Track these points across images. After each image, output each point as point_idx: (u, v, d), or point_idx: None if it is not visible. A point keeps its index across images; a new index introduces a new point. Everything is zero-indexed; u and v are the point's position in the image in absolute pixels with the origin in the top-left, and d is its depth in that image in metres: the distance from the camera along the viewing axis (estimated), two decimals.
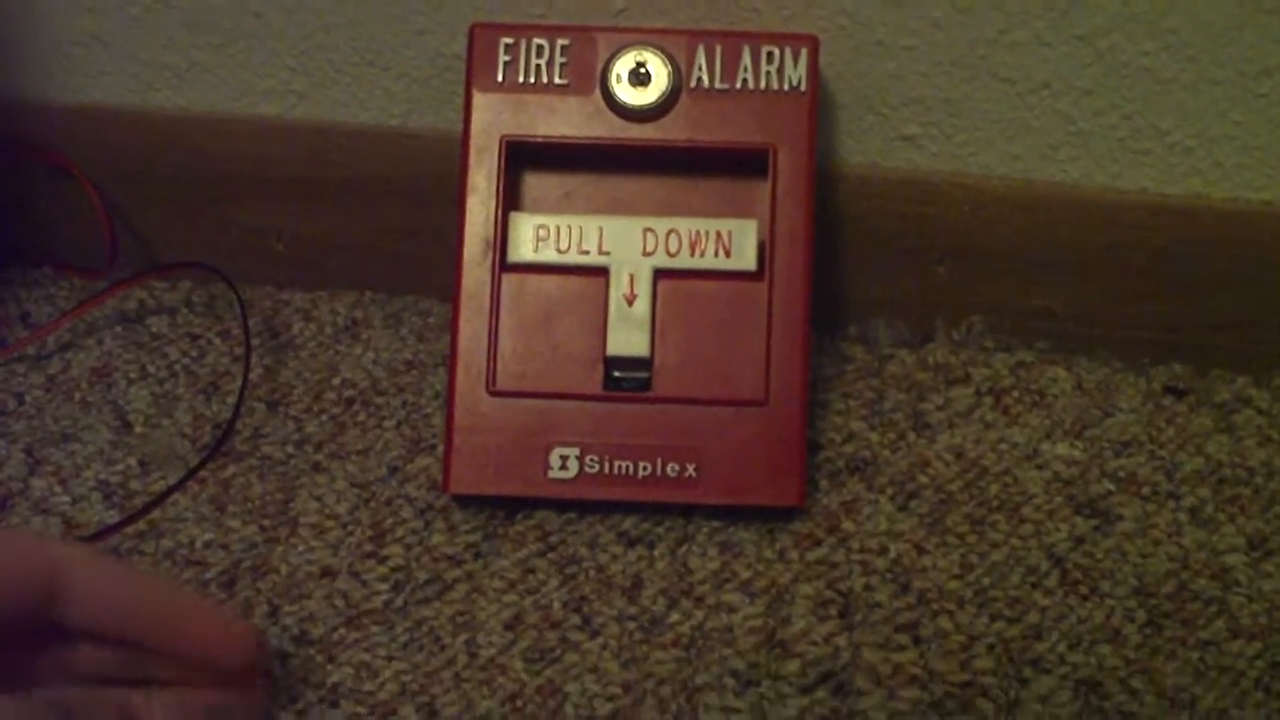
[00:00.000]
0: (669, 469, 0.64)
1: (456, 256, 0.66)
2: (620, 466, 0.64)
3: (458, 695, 0.58)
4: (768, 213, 0.65)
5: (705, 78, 0.66)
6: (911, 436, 0.68)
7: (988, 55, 0.67)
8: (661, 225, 0.66)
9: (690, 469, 0.64)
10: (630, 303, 0.65)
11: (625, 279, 0.66)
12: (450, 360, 0.65)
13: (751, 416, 0.64)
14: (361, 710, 0.58)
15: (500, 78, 0.66)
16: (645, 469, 0.64)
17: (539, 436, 0.65)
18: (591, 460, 0.64)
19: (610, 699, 0.58)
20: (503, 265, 0.65)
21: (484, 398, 0.65)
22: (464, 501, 0.66)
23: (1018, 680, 0.59)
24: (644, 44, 0.65)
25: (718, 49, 0.66)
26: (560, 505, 0.65)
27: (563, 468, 0.64)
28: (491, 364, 0.65)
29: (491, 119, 0.66)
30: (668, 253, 0.66)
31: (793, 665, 0.59)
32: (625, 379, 0.65)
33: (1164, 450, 0.68)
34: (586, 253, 0.66)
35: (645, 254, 0.66)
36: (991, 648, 0.60)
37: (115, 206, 0.76)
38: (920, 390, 0.71)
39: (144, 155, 0.75)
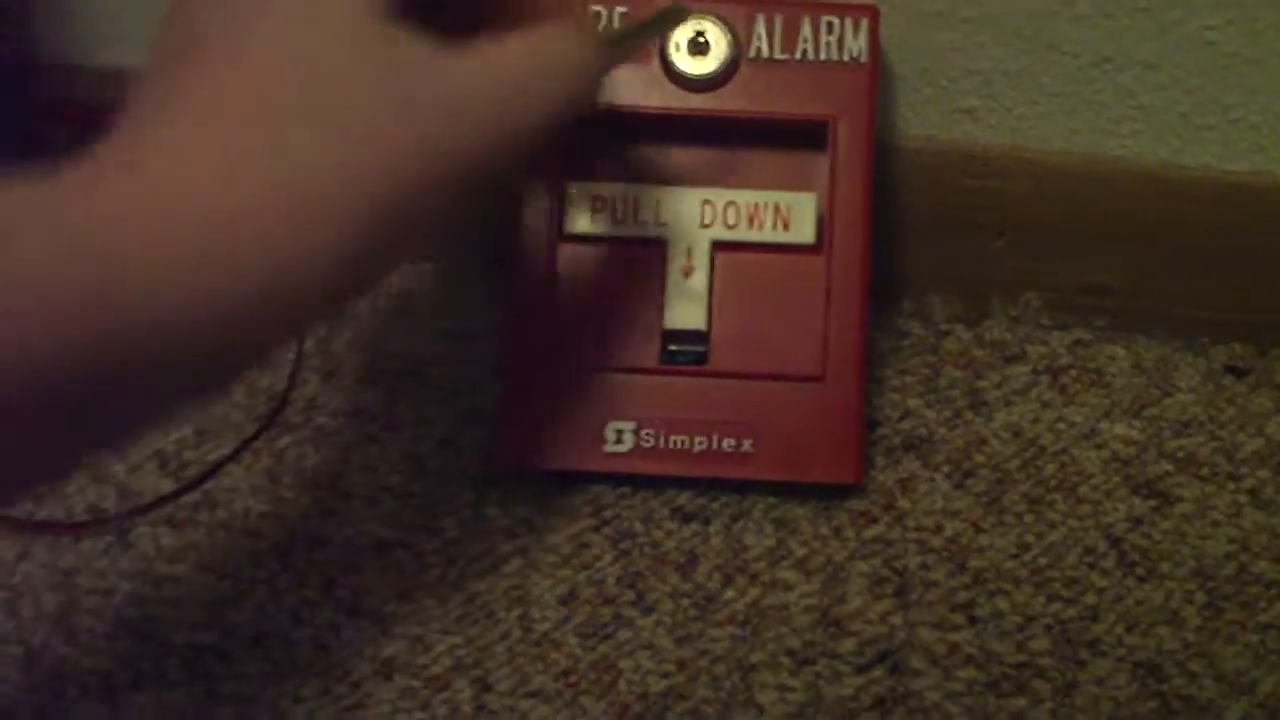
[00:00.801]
0: (725, 444, 0.64)
1: (513, 226, 0.65)
2: (676, 441, 0.64)
3: (511, 670, 0.59)
4: (826, 185, 0.64)
5: (765, 48, 0.65)
6: (968, 414, 0.68)
7: (1049, 28, 0.66)
8: (720, 197, 0.65)
9: (746, 444, 0.64)
10: (687, 275, 0.65)
11: (683, 251, 0.65)
12: (505, 331, 0.65)
13: (808, 392, 0.64)
14: (415, 684, 0.58)
15: None
16: (701, 444, 0.64)
17: (594, 409, 0.64)
18: (647, 434, 0.64)
19: (665, 676, 0.58)
20: (560, 235, 0.65)
21: (539, 370, 0.64)
22: (517, 475, 0.65)
23: (1075, 662, 0.59)
24: (703, 13, 0.65)
25: (777, 19, 0.65)
26: (615, 480, 0.65)
27: (618, 441, 0.64)
28: (547, 336, 0.64)
29: None
30: (726, 225, 0.65)
31: (848, 644, 0.59)
32: (682, 352, 0.65)
33: (1224, 430, 0.67)
34: (644, 224, 0.65)
35: (703, 226, 0.65)
36: (1048, 629, 0.60)
37: None
38: (977, 368, 0.70)
39: None
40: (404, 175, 0.42)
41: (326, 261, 0.40)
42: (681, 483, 0.65)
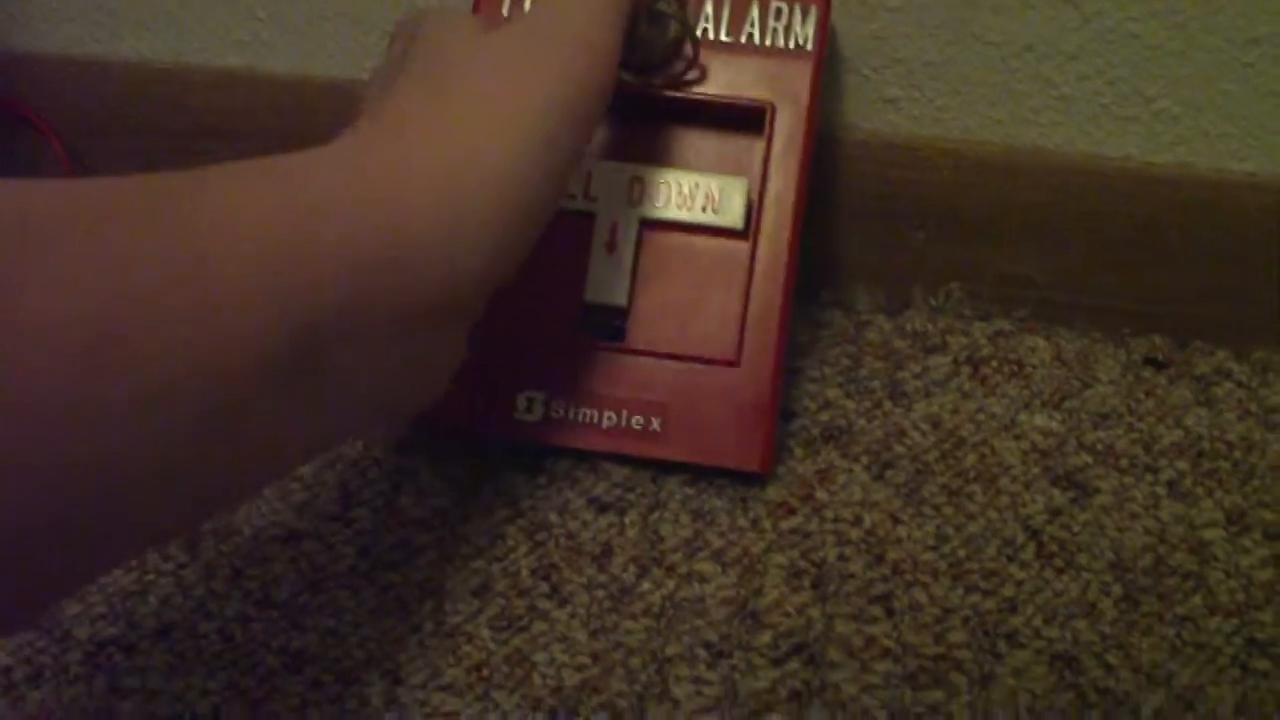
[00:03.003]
0: (634, 421, 0.63)
1: None
2: (585, 414, 0.63)
3: (423, 663, 0.57)
4: (759, 171, 0.64)
5: (711, 30, 0.65)
6: (888, 405, 0.67)
7: (972, 17, 0.66)
8: (651, 175, 0.65)
9: (655, 423, 0.63)
10: (612, 250, 0.64)
11: (609, 226, 0.64)
12: None
13: (722, 376, 0.63)
14: (326, 677, 0.57)
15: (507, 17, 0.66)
16: (610, 419, 0.63)
17: (509, 377, 0.64)
18: (557, 406, 0.63)
19: (579, 669, 0.57)
20: None
21: None
22: (433, 463, 0.64)
23: (992, 654, 0.58)
24: None
25: (726, 2, 0.65)
26: (524, 455, 0.64)
27: (528, 410, 0.63)
28: None
29: None
30: (655, 203, 0.64)
31: (765, 636, 0.59)
32: (600, 327, 0.64)
33: (1143, 423, 0.67)
34: (573, 197, 0.64)
35: (632, 203, 0.64)
36: (966, 621, 0.59)
37: (80, 161, 0.75)
38: (897, 358, 0.70)
39: (110, 107, 0.74)
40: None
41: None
42: (598, 472, 0.64)
